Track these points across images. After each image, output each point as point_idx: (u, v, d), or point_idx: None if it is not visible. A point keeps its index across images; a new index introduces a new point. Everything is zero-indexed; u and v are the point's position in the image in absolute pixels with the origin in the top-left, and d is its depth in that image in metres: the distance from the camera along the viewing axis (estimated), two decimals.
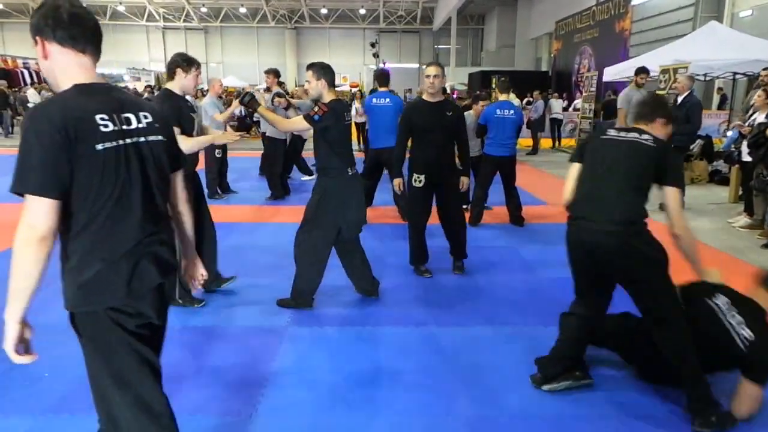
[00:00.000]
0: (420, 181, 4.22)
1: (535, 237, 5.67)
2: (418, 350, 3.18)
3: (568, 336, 2.74)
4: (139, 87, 18.57)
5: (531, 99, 14.53)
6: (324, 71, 3.42)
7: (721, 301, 2.54)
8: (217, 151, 7.28)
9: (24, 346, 1.50)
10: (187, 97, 3.64)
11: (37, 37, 1.52)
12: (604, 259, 2.47)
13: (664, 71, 8.96)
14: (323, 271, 3.66)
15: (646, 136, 2.51)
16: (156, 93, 15.59)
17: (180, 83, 3.43)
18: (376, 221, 6.12)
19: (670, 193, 2.43)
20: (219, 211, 6.68)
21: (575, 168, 2.67)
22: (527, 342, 3.25)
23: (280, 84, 9.30)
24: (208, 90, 8.21)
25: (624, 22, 15.34)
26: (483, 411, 2.57)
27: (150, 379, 1.63)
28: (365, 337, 3.35)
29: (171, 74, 3.44)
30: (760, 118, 5.69)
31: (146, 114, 1.63)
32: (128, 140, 1.55)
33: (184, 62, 3.40)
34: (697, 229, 5.87)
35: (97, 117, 1.48)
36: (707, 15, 13.52)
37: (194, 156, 3.51)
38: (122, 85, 20.83)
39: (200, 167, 9.40)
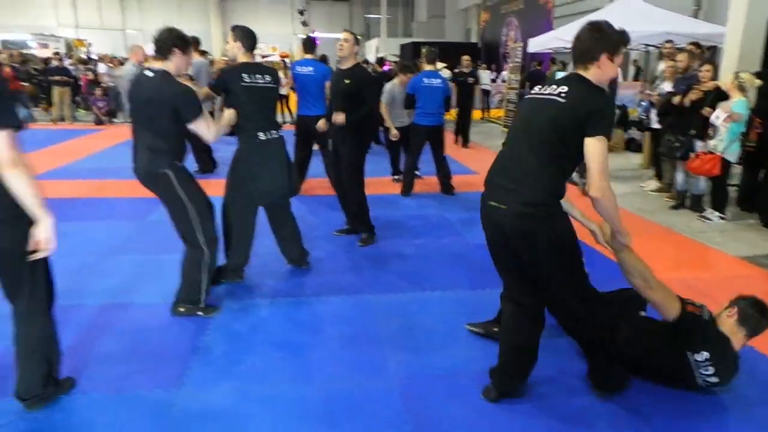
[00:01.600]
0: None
1: (464, 204, 5.83)
2: (349, 317, 3.23)
3: (514, 340, 2.40)
4: (48, 54, 17.10)
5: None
6: (243, 33, 3.41)
7: (702, 357, 2.36)
8: None
9: None
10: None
11: None
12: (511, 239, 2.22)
13: None
14: (251, 242, 3.60)
15: (564, 90, 2.13)
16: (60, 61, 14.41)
17: (176, 64, 2.97)
18: (311, 192, 6.07)
19: (590, 145, 2.04)
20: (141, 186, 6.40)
21: None
22: (457, 305, 3.38)
23: (203, 53, 8.86)
24: (126, 60, 7.72)
25: None
26: (413, 370, 2.67)
27: None
28: (297, 307, 3.36)
29: (165, 53, 2.93)
30: (667, 87, 6.07)
31: None
32: None
33: (181, 42, 2.98)
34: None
35: None
36: None
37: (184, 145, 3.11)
38: (28, 52, 19.14)
39: (114, 143, 8.86)
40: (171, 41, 2.95)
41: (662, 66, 6.90)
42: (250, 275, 3.72)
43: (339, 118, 4.15)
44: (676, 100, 5.53)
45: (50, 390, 2.33)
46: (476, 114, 14.27)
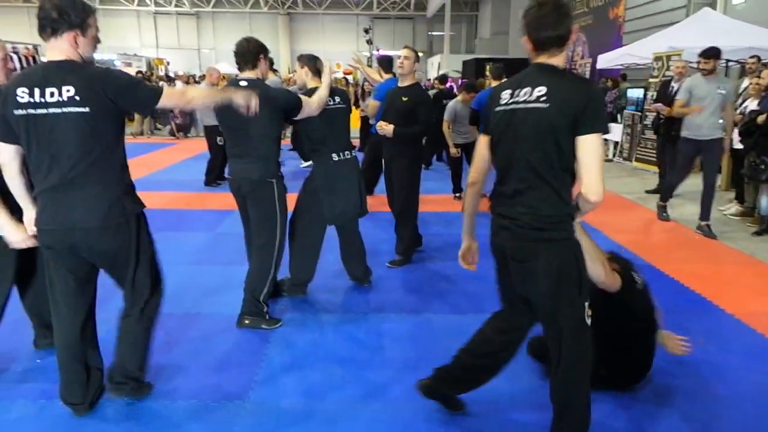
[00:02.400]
0: None
1: None
2: (411, 337, 3.20)
3: (475, 350, 2.31)
4: (131, 73, 18.34)
5: None
6: (308, 59, 3.50)
7: None
8: (219, 138, 7.26)
9: None
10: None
11: None
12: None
13: (658, 58, 8.96)
14: (316, 260, 3.67)
15: (540, 91, 1.83)
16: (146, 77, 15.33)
17: (262, 70, 3.14)
18: (378, 209, 6.12)
19: (590, 144, 1.79)
20: (215, 199, 6.70)
21: None
22: None
23: (274, 71, 9.20)
24: (203, 77, 8.14)
25: (618, 8, 15.27)
26: (476, 395, 2.60)
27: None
28: (359, 324, 3.37)
29: (254, 61, 3.07)
30: (751, 105, 5.71)
31: (69, 88, 1.98)
32: (41, 110, 1.98)
33: (262, 48, 3.13)
34: (688, 217, 5.94)
35: (19, 90, 1.98)
36: (701, 2, 13.48)
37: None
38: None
39: (192, 154, 9.35)
40: (255, 49, 3.10)
41: (746, 83, 6.52)
42: (312, 290, 3.77)
43: (387, 128, 4.11)
44: (761, 119, 5.19)
45: (135, 384, 2.46)
46: None
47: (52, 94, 1.97)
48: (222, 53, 33.02)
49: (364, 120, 9.68)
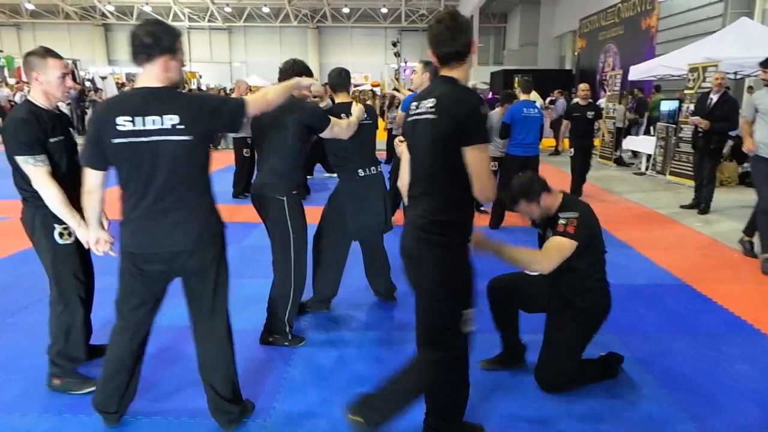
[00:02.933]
0: None
1: None
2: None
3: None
4: None
5: (553, 98, 14.31)
6: (330, 76, 3.51)
7: None
8: (245, 150, 7.34)
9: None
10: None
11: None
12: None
13: (693, 70, 8.72)
14: (340, 276, 3.63)
15: (432, 102, 1.93)
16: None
17: (298, 93, 3.17)
18: (402, 223, 6.07)
19: (470, 153, 1.87)
20: (242, 211, 6.75)
21: None
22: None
23: None
24: (233, 90, 8.28)
25: (650, 19, 15.00)
26: (508, 422, 2.52)
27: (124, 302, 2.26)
28: (383, 342, 3.31)
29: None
30: None
31: (173, 117, 1.99)
32: (143, 138, 1.98)
33: (306, 73, 3.16)
34: (729, 234, 5.71)
35: (119, 118, 1.97)
36: (738, 11, 13.13)
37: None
38: None
39: (221, 166, 9.49)
40: (294, 71, 3.13)
41: None
42: (335, 306, 3.73)
43: (401, 146, 4.08)
44: None
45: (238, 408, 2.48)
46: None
47: (153, 122, 1.97)
48: (253, 66, 33.70)
49: (390, 132, 9.68)
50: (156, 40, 2.01)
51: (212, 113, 2.10)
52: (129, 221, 2.12)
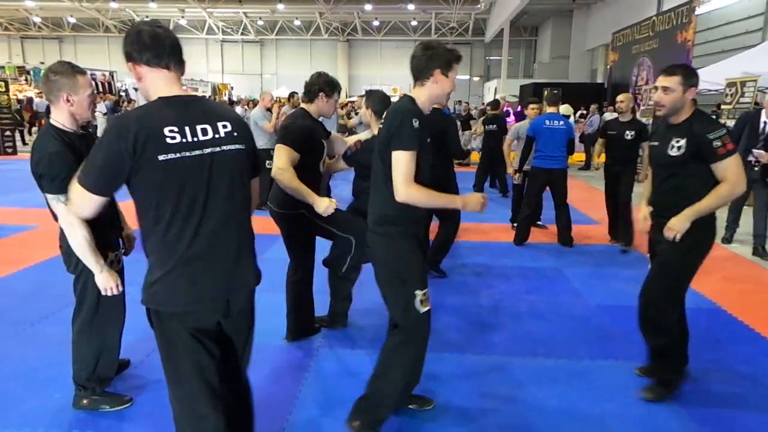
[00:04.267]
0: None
1: (583, 258, 5.39)
2: (452, 377, 3.02)
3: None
4: None
5: (585, 112, 14.04)
6: (373, 101, 3.38)
7: None
8: (267, 162, 7.37)
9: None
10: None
11: (129, 63, 1.67)
12: None
13: (731, 84, 8.44)
14: (351, 287, 3.58)
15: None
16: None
17: (318, 107, 3.24)
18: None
19: (393, 157, 2.17)
20: (264, 223, 6.73)
21: None
22: (574, 378, 3.03)
23: None
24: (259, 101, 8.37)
25: (687, 32, 14.58)
26: None
27: (199, 382, 1.69)
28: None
29: (312, 97, 3.21)
30: None
31: (225, 123, 1.70)
32: (197, 151, 1.61)
33: (327, 87, 3.20)
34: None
35: (166, 129, 1.57)
36: None
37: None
38: None
39: None
40: (318, 86, 3.17)
41: None
42: (351, 320, 3.67)
43: None
44: None
45: None
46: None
47: (204, 132, 1.64)
48: (283, 78, 34.19)
49: None
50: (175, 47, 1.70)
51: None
52: (179, 264, 1.64)
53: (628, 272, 4.77)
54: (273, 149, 7.95)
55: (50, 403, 2.67)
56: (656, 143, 2.77)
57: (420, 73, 2.27)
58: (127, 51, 1.66)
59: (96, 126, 15.52)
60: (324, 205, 2.96)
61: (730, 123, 7.31)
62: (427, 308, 2.33)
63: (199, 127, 1.63)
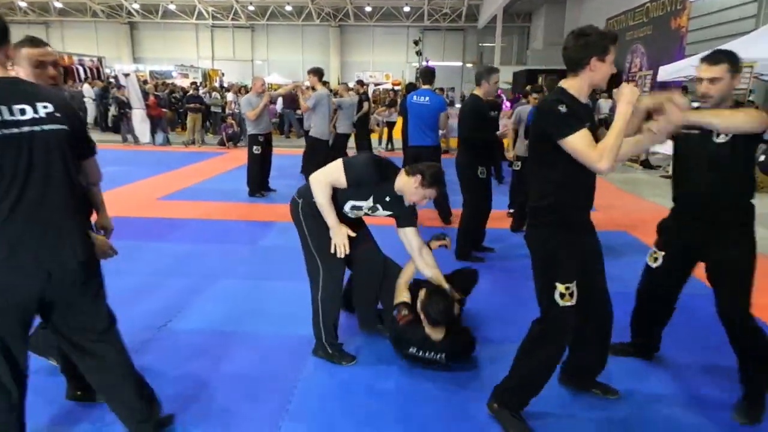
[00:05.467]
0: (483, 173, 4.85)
1: None
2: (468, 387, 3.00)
3: None
4: (186, 84, 18.94)
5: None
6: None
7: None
8: (255, 148, 7.28)
9: None
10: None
11: None
12: None
13: None
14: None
15: None
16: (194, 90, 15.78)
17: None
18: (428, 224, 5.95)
19: None
20: (259, 210, 6.70)
21: None
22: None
23: (324, 83, 9.08)
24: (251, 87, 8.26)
25: (681, 18, 14.59)
26: None
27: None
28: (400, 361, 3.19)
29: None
30: None
31: (47, 105, 1.76)
32: (15, 129, 1.67)
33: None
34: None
35: None
36: None
37: None
38: (170, 81, 21.35)
39: (234, 166, 9.42)
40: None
41: None
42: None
43: None
44: None
45: None
46: None
47: (23, 112, 1.75)
48: (274, 64, 33.82)
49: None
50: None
51: None
52: None
53: (625, 258, 4.76)
54: (261, 134, 7.93)
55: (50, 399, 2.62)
56: (695, 131, 2.51)
57: (575, 65, 2.13)
58: None
59: (86, 110, 15.29)
60: (338, 238, 2.76)
61: None
62: (568, 303, 2.22)
63: (17, 107, 1.69)
